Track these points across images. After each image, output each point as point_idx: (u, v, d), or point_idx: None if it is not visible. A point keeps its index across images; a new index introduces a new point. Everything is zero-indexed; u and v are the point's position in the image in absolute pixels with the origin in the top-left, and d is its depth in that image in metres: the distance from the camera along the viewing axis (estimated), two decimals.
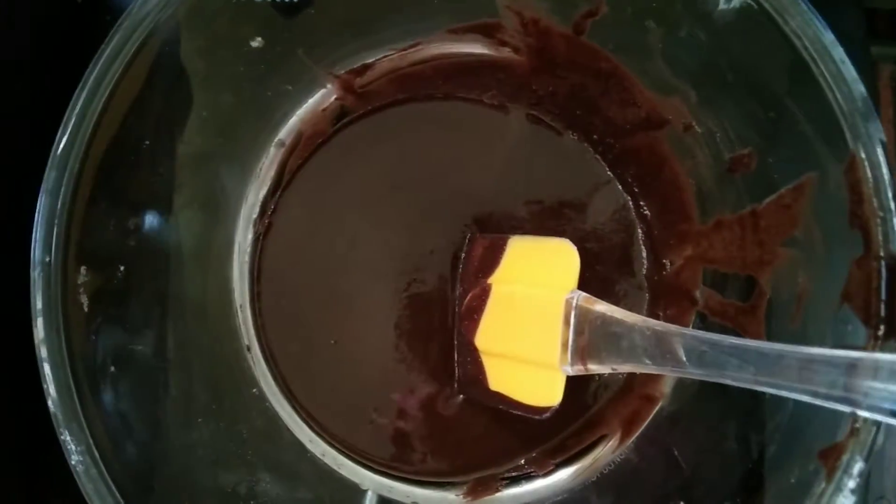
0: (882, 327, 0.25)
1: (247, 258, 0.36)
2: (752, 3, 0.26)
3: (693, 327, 0.33)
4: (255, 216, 0.36)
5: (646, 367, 0.28)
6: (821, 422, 0.26)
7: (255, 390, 0.35)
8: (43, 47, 0.38)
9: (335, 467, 0.35)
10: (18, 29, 0.35)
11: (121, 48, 0.26)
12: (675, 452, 0.32)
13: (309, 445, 0.35)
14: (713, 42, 0.29)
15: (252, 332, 0.35)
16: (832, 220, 0.26)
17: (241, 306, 0.35)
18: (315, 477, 0.34)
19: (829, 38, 0.25)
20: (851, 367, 0.22)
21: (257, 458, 0.33)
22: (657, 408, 0.34)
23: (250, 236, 0.36)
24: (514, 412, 0.33)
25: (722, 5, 0.27)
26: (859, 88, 0.24)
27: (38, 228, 0.26)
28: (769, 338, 0.30)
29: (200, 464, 0.31)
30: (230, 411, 0.34)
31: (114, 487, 0.26)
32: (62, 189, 0.26)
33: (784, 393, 0.24)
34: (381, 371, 0.35)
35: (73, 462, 0.26)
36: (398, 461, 0.35)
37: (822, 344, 0.27)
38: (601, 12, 0.30)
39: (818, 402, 0.23)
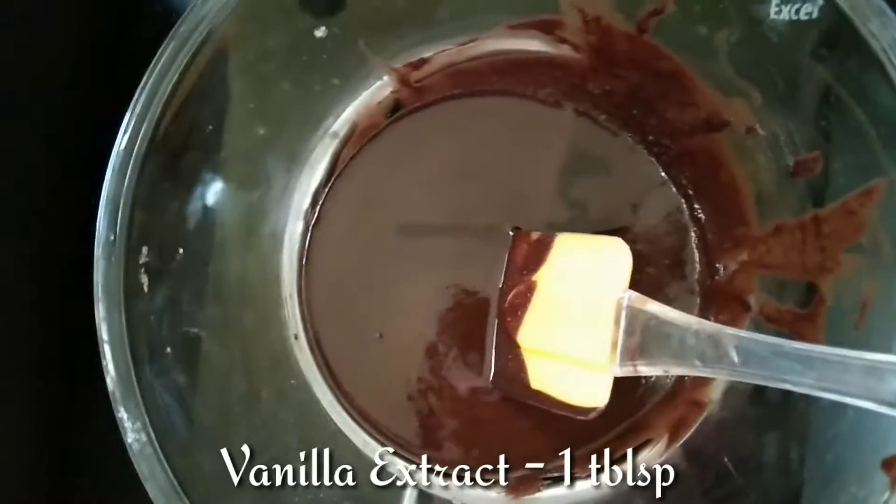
0: None
1: (296, 247, 0.36)
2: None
3: None
4: (306, 206, 0.36)
5: (699, 370, 0.27)
6: (883, 430, 0.25)
7: (296, 380, 0.35)
8: (94, 37, 0.39)
9: (376, 458, 0.35)
10: (68, 19, 0.36)
11: (189, 35, 0.27)
12: (725, 460, 0.31)
13: (351, 436, 0.35)
14: (780, 44, 0.28)
15: (300, 321, 0.35)
16: None
17: (290, 295, 0.35)
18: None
19: None
20: None
21: (299, 446, 0.34)
22: (705, 414, 0.34)
23: (301, 226, 0.36)
24: (556, 412, 0.32)
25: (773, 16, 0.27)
26: None
27: (104, 207, 0.26)
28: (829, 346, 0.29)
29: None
30: (275, 398, 0.34)
31: (167, 465, 0.26)
32: (129, 170, 0.26)
33: (847, 399, 0.23)
34: (427, 365, 0.35)
35: (129, 440, 0.26)
36: (440, 455, 0.35)
37: (885, 353, 0.26)
38: (668, 10, 0.30)
39: (882, 409, 0.23)
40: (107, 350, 0.26)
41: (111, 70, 0.38)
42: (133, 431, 0.26)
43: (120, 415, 0.26)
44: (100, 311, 0.26)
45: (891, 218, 0.27)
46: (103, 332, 0.26)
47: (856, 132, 0.28)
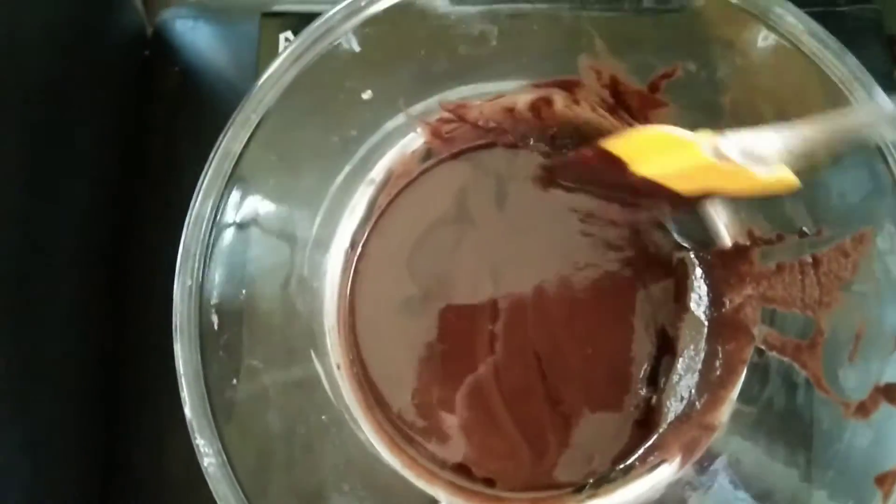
0: None
1: (337, 284, 0.39)
2: None
3: (751, 361, 0.36)
4: (346, 246, 0.39)
5: None
6: (875, 450, 0.29)
7: (338, 406, 0.38)
8: (113, 99, 0.43)
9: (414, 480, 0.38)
10: (87, 80, 0.40)
11: (246, 120, 0.30)
12: (736, 477, 0.34)
13: (389, 460, 0.38)
14: (774, 104, 0.32)
15: (342, 353, 0.39)
16: (888, 267, 0.29)
17: (331, 327, 0.39)
18: (405, 491, 0.37)
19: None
20: None
21: (344, 468, 0.37)
22: (715, 435, 0.37)
23: (341, 264, 0.39)
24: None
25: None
26: None
27: (182, 260, 0.30)
28: (826, 373, 0.32)
29: (305, 472, 0.34)
30: (320, 424, 0.37)
31: (238, 487, 0.29)
32: (202, 228, 0.30)
33: None
34: (473, 392, 0.37)
35: (205, 464, 0.29)
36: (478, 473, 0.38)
37: (878, 381, 0.29)
38: (676, 75, 0.34)
39: None
40: (184, 383, 0.29)
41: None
42: (208, 456, 0.29)
43: (196, 441, 0.29)
44: (178, 349, 0.29)
45: (879, 259, 0.30)
46: (180, 367, 0.29)
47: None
